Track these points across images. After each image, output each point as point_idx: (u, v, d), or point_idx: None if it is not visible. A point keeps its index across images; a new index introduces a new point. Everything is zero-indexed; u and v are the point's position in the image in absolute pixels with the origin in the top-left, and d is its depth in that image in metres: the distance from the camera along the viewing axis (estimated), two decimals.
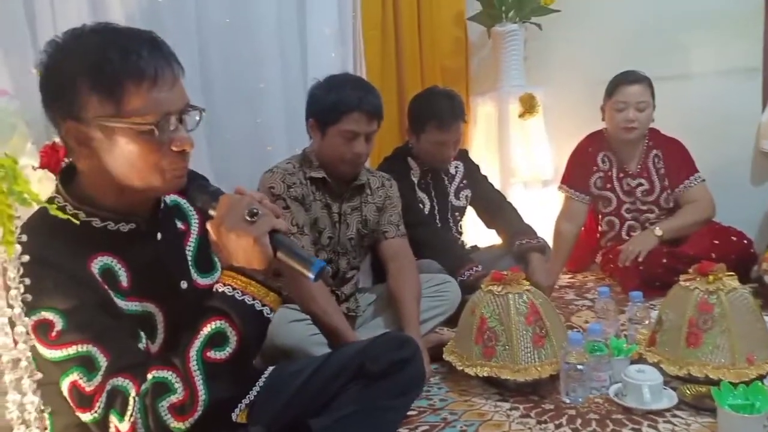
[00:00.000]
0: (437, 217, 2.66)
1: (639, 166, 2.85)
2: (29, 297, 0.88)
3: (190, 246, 1.17)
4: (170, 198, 1.18)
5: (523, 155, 3.21)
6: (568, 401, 1.70)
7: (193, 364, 0.96)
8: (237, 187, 1.06)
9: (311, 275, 0.99)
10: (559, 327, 1.84)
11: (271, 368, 1.37)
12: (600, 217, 2.93)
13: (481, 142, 3.31)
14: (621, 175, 2.86)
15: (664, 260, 2.57)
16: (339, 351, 1.54)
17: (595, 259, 3.03)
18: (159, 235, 1.11)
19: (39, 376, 0.89)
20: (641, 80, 2.73)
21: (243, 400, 1.27)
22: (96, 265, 1.01)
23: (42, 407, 0.88)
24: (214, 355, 0.96)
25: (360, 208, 2.12)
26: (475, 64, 3.55)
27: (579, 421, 1.61)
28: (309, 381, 1.36)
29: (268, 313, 1.02)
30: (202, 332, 0.97)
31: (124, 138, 0.98)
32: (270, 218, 1.01)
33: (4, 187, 0.81)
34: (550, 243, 2.70)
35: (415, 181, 2.61)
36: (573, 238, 2.86)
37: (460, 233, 2.78)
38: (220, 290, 1.00)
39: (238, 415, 1.26)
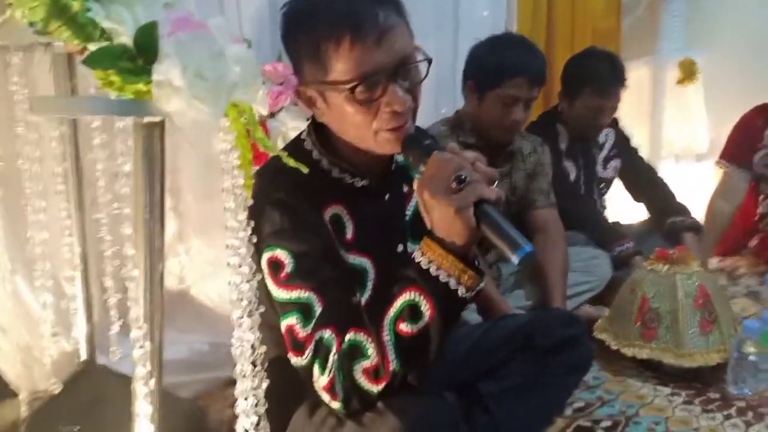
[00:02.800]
0: (582, 187, 2.54)
1: None
2: (267, 234, 0.92)
3: (409, 210, 1.16)
4: (401, 157, 1.13)
5: (677, 126, 3.01)
6: (735, 392, 1.60)
7: (386, 334, 0.92)
8: (449, 146, 0.98)
9: (514, 258, 0.87)
10: (728, 313, 1.73)
11: None
12: (761, 198, 2.70)
13: (630, 110, 3.12)
14: None
15: None
16: (503, 320, 1.52)
17: (749, 243, 2.81)
18: (388, 194, 1.11)
19: (258, 317, 0.91)
20: None
21: None
22: (329, 213, 1.03)
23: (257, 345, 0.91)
24: (406, 327, 0.92)
25: (510, 174, 2.06)
26: (627, 25, 3.33)
27: (750, 414, 1.52)
28: (476, 346, 1.35)
29: (463, 293, 0.92)
30: (396, 302, 0.93)
31: (334, 100, 0.99)
32: (479, 186, 0.89)
33: (246, 134, 0.83)
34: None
35: (563, 149, 2.50)
36: (728, 218, 2.65)
37: (605, 207, 2.66)
38: (417, 260, 0.94)
39: None
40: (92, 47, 0.82)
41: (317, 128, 1.07)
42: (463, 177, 0.90)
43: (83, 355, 1.34)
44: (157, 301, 0.89)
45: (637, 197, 2.61)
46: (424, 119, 2.07)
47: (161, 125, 0.87)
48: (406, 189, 1.17)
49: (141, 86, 0.77)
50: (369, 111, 0.98)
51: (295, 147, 1.08)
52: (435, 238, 0.93)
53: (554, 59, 2.88)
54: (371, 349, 0.93)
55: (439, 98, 2.50)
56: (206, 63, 0.80)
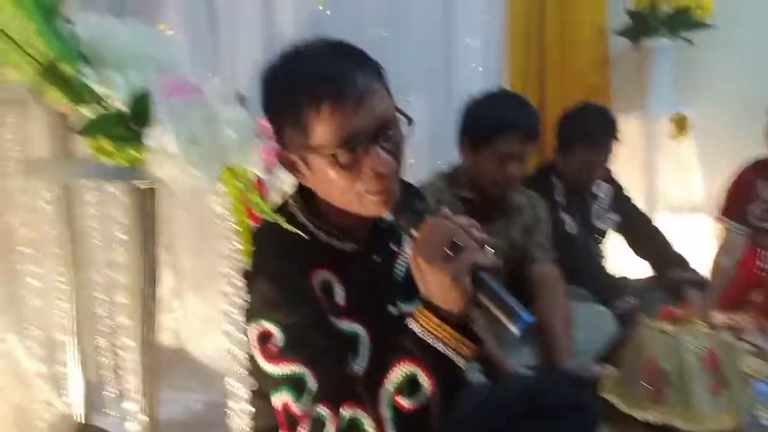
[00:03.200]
0: (581, 241, 2.52)
1: None
2: (254, 305, 0.89)
3: (400, 269, 1.13)
4: (388, 216, 1.11)
5: (671, 179, 3.02)
6: None
7: (385, 409, 0.90)
8: (443, 211, 0.96)
9: (515, 329, 0.85)
10: (739, 373, 1.68)
11: None
12: (762, 252, 2.69)
13: (622, 163, 3.13)
14: None
15: None
16: (507, 381, 1.48)
17: (751, 297, 2.78)
18: (376, 257, 1.08)
19: (255, 385, 0.89)
20: None
21: None
22: (317, 279, 1.00)
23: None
24: (405, 402, 0.89)
25: (507, 229, 2.04)
26: (617, 80, 3.37)
27: None
28: (480, 408, 1.30)
29: (461, 364, 0.90)
30: (393, 374, 0.90)
31: (317, 165, 0.97)
32: (473, 253, 0.88)
33: (242, 198, 0.81)
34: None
35: (560, 201, 2.49)
36: (729, 273, 2.64)
37: (602, 258, 2.64)
38: (413, 328, 0.91)
39: None
40: (84, 109, 0.80)
41: (303, 192, 1.05)
42: (457, 243, 0.88)
43: (79, 417, 1.28)
44: (152, 369, 0.85)
45: (637, 249, 2.59)
46: (421, 173, 2.08)
47: (153, 190, 0.85)
48: (394, 248, 1.14)
49: (133, 152, 0.75)
50: (352, 174, 0.96)
51: (281, 211, 1.05)
52: (430, 305, 0.90)
53: (547, 114, 2.91)
54: (369, 426, 0.90)
55: (435, 152, 2.50)
56: (200, 128, 0.78)
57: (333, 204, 1.02)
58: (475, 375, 1.68)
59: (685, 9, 3.01)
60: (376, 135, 0.96)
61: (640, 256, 2.58)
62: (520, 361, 1.91)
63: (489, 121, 1.90)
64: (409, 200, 1.00)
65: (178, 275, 1.66)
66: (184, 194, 0.84)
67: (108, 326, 1.18)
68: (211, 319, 1.63)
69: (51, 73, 0.78)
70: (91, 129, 0.74)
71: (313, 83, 0.94)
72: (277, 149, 0.95)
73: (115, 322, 1.06)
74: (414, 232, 0.93)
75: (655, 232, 2.58)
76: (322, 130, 0.94)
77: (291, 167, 1.01)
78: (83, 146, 1.18)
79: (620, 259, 2.70)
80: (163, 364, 0.93)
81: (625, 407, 1.69)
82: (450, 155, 2.05)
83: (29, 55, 0.78)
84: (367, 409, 0.90)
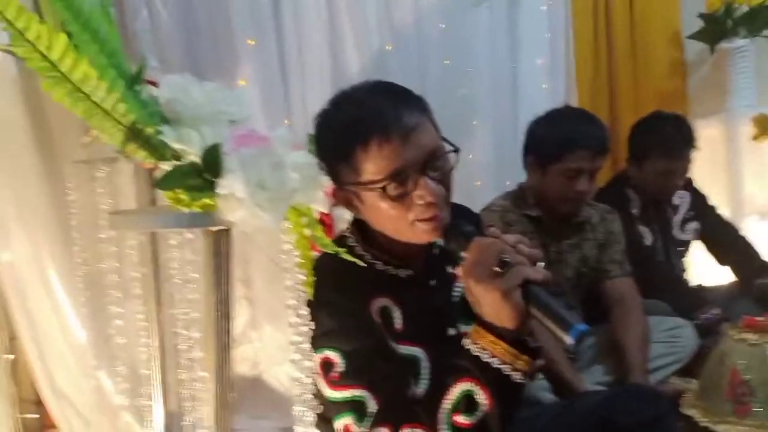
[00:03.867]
0: (660, 252, 2.46)
1: None
2: (316, 335, 0.94)
3: (457, 292, 1.18)
4: (441, 241, 1.16)
5: (756, 182, 2.89)
6: None
7: (443, 427, 0.93)
8: (490, 230, 1.01)
9: (569, 340, 0.85)
10: None
11: None
12: None
13: (704, 169, 3.03)
14: None
15: None
16: (579, 398, 1.47)
17: None
18: (432, 281, 1.13)
19: (320, 409, 0.95)
20: None
21: None
22: (376, 306, 1.05)
23: None
24: (463, 419, 0.92)
25: (580, 246, 2.02)
26: (693, 85, 3.27)
27: None
28: (551, 428, 1.31)
29: (519, 379, 0.92)
30: (451, 393, 0.94)
31: (369, 199, 1.03)
32: (523, 268, 0.90)
33: (307, 233, 0.88)
34: None
35: (636, 214, 2.44)
36: None
37: (684, 270, 2.55)
38: (468, 348, 0.94)
39: None
40: (164, 165, 0.90)
41: (358, 224, 1.11)
42: (506, 259, 0.90)
43: None
44: (224, 399, 0.92)
45: (721, 259, 2.50)
46: (488, 195, 2.11)
47: (228, 231, 0.94)
48: (451, 271, 1.17)
49: (207, 200, 0.84)
50: (403, 205, 1.01)
51: (339, 244, 1.11)
52: (484, 323, 0.93)
53: (619, 125, 2.87)
54: None
55: (501, 174, 2.52)
56: (267, 174, 0.86)
57: (386, 234, 1.07)
58: (546, 394, 1.68)
59: (764, 7, 2.91)
60: (424, 166, 1.01)
61: (726, 265, 2.48)
62: (593, 379, 1.89)
63: (554, 139, 1.91)
64: (458, 224, 1.04)
65: (256, 308, 1.75)
66: (253, 234, 0.92)
67: (187, 360, 1.28)
68: (287, 349, 1.70)
69: (134, 135, 0.89)
70: (167, 181, 0.83)
71: (359, 124, 1.01)
72: (333, 187, 1.03)
73: (192, 356, 1.16)
74: (464, 254, 0.96)
75: (741, 240, 2.48)
76: (370, 166, 1.00)
77: (346, 203, 1.08)
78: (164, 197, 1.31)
79: (706, 268, 2.60)
80: (243, 393, 1.00)
81: (708, 422, 1.64)
82: (517, 176, 2.07)
83: (115, 119, 0.89)
84: (427, 429, 0.94)
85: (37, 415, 1.43)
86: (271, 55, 1.98)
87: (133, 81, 0.91)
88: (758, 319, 1.67)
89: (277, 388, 1.76)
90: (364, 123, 1.00)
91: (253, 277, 1.76)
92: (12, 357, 1.31)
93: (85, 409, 1.38)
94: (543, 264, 0.94)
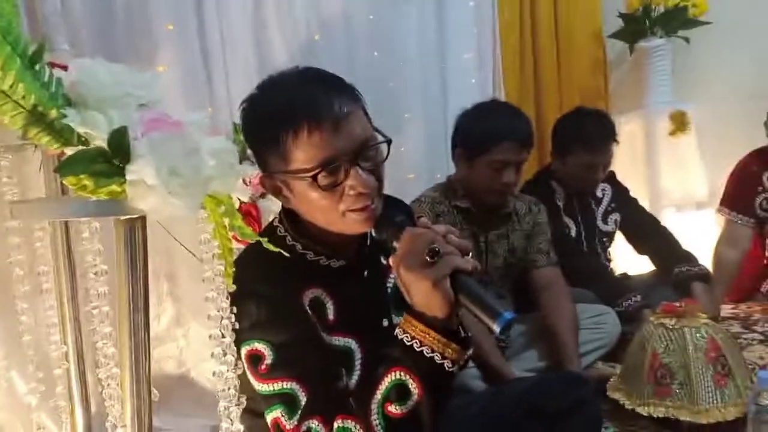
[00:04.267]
0: (584, 243, 2.53)
1: None
2: (244, 327, 0.92)
3: (390, 283, 1.16)
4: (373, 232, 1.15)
5: (673, 176, 3.02)
6: None
7: (375, 417, 0.93)
8: (420, 220, 1.01)
9: (496, 328, 0.87)
10: (742, 364, 1.68)
11: None
12: (767, 242, 2.68)
13: (625, 163, 3.14)
14: None
15: None
16: (507, 386, 1.49)
17: (761, 287, 2.77)
18: (366, 271, 1.11)
19: (244, 404, 0.91)
20: None
21: None
22: (308, 297, 1.03)
23: None
24: (394, 409, 0.92)
25: (507, 236, 2.06)
26: (614, 82, 3.39)
27: None
28: (481, 414, 1.32)
29: (449, 367, 0.92)
30: (382, 383, 0.93)
31: (299, 188, 1.01)
32: (453, 258, 0.91)
33: (225, 222, 0.84)
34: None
35: (561, 206, 2.50)
36: (735, 265, 2.62)
37: (609, 260, 2.64)
38: (399, 337, 0.94)
39: None
40: (70, 151, 0.84)
41: (288, 214, 1.09)
42: (436, 249, 0.91)
43: None
44: (143, 397, 0.88)
45: (641, 249, 2.59)
46: (420, 187, 2.12)
47: (142, 219, 0.89)
48: (384, 262, 1.17)
49: (115, 187, 0.79)
50: (334, 195, 0.99)
51: (269, 234, 1.09)
52: (415, 313, 0.93)
53: (544, 120, 2.94)
54: None
55: (432, 166, 2.54)
56: (180, 160, 0.82)
57: (317, 224, 1.05)
58: (476, 382, 1.70)
59: (679, 8, 3.03)
60: (356, 156, 0.99)
61: (647, 256, 2.58)
62: (525, 366, 1.93)
63: (481, 131, 1.93)
64: (389, 214, 1.03)
65: (181, 304, 1.70)
66: (173, 225, 0.88)
67: (103, 357, 1.22)
68: (210, 344, 1.66)
69: (36, 118, 0.83)
70: (68, 166, 0.78)
71: (289, 109, 0.98)
72: (260, 175, 0.99)
73: (107, 353, 1.10)
74: (396, 244, 0.96)
75: (661, 230, 2.58)
76: (300, 154, 0.97)
77: (274, 191, 1.05)
78: None
79: (627, 258, 2.70)
80: (169, 392, 0.95)
81: (631, 404, 1.69)
82: (447, 169, 2.09)
83: (14, 101, 0.83)
84: (359, 420, 0.92)
85: None
86: (191, 42, 1.92)
87: (32, 61, 0.85)
88: (676, 304, 1.73)
89: (204, 386, 1.71)
90: (293, 109, 0.97)
91: (178, 272, 1.70)
92: None
93: None
94: (471, 254, 0.95)
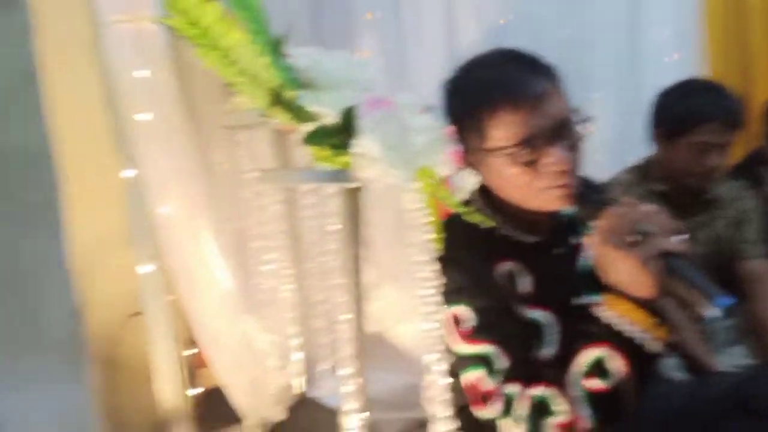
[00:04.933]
0: None
1: None
2: (448, 290, 0.98)
3: (582, 262, 1.16)
4: (567, 211, 1.14)
5: None
6: None
7: (576, 390, 0.93)
8: (624, 199, 0.99)
9: (713, 311, 0.82)
10: None
11: None
12: None
13: None
14: None
15: None
16: (712, 379, 1.43)
17: None
18: (557, 249, 1.13)
19: (447, 360, 0.99)
20: None
21: None
22: (501, 270, 1.06)
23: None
24: (596, 384, 0.92)
25: (710, 224, 1.93)
26: None
27: None
28: (683, 405, 1.27)
29: (655, 348, 0.91)
30: (581, 358, 0.94)
31: (496, 165, 1.03)
32: (662, 239, 0.88)
33: (435, 193, 0.92)
34: None
35: None
36: None
37: None
38: (604, 315, 0.93)
39: None
40: (304, 127, 0.97)
41: (483, 189, 1.12)
42: (644, 229, 0.89)
43: (297, 389, 1.49)
44: (361, 342, 0.99)
45: None
46: (610, 169, 2.05)
47: (360, 189, 1.00)
48: (574, 242, 1.16)
49: (346, 158, 0.90)
50: (531, 172, 1.01)
51: (466, 206, 1.13)
52: (618, 292, 0.92)
53: (753, 98, 2.68)
54: (561, 405, 0.94)
55: (624, 148, 2.44)
56: (396, 136, 0.91)
57: (512, 201, 1.08)
58: (677, 372, 1.64)
59: None
60: (553, 134, 1.00)
61: None
62: (731, 362, 1.82)
63: (683, 111, 1.82)
64: (587, 193, 1.03)
65: (377, 268, 1.81)
66: (385, 192, 0.98)
67: (324, 309, 1.38)
68: (407, 309, 1.76)
69: (277, 99, 0.97)
70: (311, 138, 0.91)
71: (489, 89, 1.01)
72: (460, 152, 1.05)
73: (330, 305, 1.25)
74: (593, 223, 0.96)
75: None
76: (499, 132, 1.00)
77: (473, 167, 1.09)
78: (299, 159, 1.41)
79: None
80: (366, 349, 1.05)
81: None
82: (639, 151, 2.00)
83: (260, 84, 0.97)
84: (559, 390, 0.94)
85: (195, 350, 1.58)
86: (389, 29, 2.04)
87: (277, 49, 0.98)
88: None
89: (398, 346, 1.82)
90: (493, 88, 1.01)
91: (375, 239, 1.82)
92: (173, 298, 1.46)
93: (233, 352, 1.51)
94: (683, 236, 0.91)
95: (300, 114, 0.95)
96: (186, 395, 1.55)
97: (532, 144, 0.99)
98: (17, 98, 0.96)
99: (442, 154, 0.97)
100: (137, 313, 1.47)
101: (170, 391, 1.51)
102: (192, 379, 1.57)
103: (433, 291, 0.96)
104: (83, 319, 1.00)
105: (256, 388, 1.56)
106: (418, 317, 1.00)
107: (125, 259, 1.41)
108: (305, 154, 1.37)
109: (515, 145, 0.99)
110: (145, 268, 1.41)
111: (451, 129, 1.04)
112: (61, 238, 0.99)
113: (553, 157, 0.99)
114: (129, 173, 1.33)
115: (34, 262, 0.97)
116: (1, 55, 0.97)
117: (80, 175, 0.99)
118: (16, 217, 0.95)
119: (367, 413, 1.04)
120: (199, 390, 1.61)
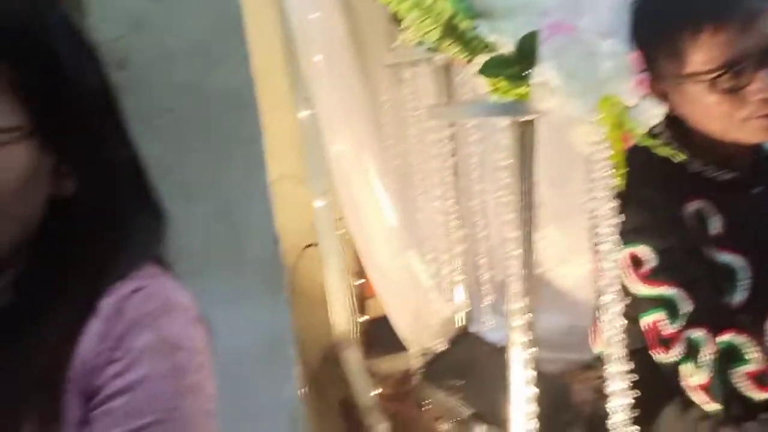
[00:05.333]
0: None
1: None
2: (628, 228, 0.92)
3: None
4: None
5: None
6: None
7: None
8: None
9: None
10: None
11: None
12: None
13: None
14: None
15: None
16: None
17: None
18: (756, 188, 1.04)
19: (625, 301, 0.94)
20: None
21: None
22: (690, 209, 1.00)
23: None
24: None
25: None
26: None
27: None
28: None
29: None
30: None
31: (693, 93, 0.95)
32: None
33: (619, 124, 0.87)
34: None
35: None
36: None
37: None
38: None
39: None
40: (478, 59, 0.95)
41: (672, 120, 1.03)
42: None
43: (459, 322, 1.54)
44: (532, 278, 0.99)
45: None
46: None
47: (532, 123, 0.97)
48: None
49: (522, 89, 0.87)
50: (735, 100, 0.92)
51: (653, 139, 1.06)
52: None
53: None
54: (753, 354, 0.89)
55: None
56: (578, 63, 0.86)
57: (708, 132, 0.99)
58: None
59: None
60: (764, 57, 0.91)
61: None
62: None
63: None
64: None
65: (539, 209, 1.77)
66: (552, 126, 0.94)
67: (488, 246, 1.39)
68: (570, 250, 1.71)
69: (450, 31, 0.95)
70: (487, 69, 0.88)
71: (691, 6, 0.93)
72: (648, 79, 0.97)
73: (495, 241, 1.24)
74: None
75: None
76: (701, 55, 0.92)
77: (662, 96, 1.01)
78: (463, 95, 1.40)
79: None
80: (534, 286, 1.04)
81: None
82: None
83: (434, 16, 0.95)
84: (753, 337, 0.89)
85: (363, 280, 1.68)
86: None
87: None
88: None
89: (560, 288, 1.79)
90: (696, 5, 0.92)
91: (538, 179, 1.78)
92: (343, 231, 1.55)
93: (397, 284, 1.58)
94: None
95: (474, 45, 0.92)
96: (356, 322, 1.65)
97: (739, 68, 0.90)
98: (223, 42, 1.03)
99: (628, 82, 0.90)
100: (312, 245, 1.58)
101: (342, 317, 1.61)
102: (361, 308, 1.66)
103: (610, 229, 0.91)
104: (280, 247, 1.09)
105: (419, 320, 1.61)
106: (582, 258, 0.97)
107: (301, 194, 1.51)
108: (469, 90, 1.36)
109: (719, 69, 0.91)
110: (319, 203, 1.50)
111: (638, 54, 0.97)
112: (264, 170, 1.08)
113: (762, 83, 0.90)
114: (304, 113, 1.40)
115: (238, 192, 1.07)
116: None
117: (265, 115, 1.07)
118: (222, 150, 1.04)
119: (536, 348, 1.02)
120: (368, 318, 1.70)
